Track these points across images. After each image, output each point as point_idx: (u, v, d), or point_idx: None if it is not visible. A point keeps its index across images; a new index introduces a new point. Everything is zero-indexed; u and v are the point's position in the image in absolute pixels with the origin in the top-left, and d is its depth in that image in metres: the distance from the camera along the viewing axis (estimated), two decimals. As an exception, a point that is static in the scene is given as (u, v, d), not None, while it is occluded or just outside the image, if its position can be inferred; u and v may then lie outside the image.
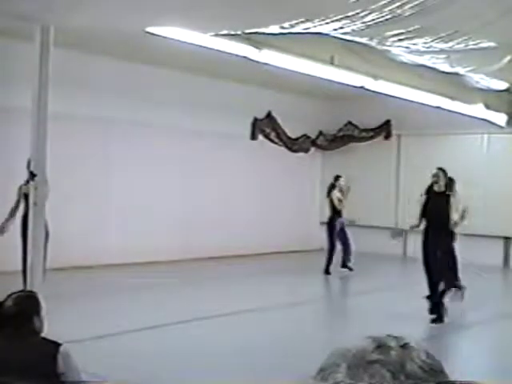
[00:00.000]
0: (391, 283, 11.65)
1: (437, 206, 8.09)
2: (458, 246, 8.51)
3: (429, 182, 8.34)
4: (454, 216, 8.01)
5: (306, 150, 15.56)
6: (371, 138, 15.36)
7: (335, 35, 5.90)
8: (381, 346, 0.93)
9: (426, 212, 8.17)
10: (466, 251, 13.72)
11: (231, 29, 5.79)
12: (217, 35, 6.10)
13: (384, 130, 15.27)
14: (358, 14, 5.04)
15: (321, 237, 15.72)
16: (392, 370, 0.89)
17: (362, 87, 8.82)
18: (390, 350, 0.92)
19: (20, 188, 7.62)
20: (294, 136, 15.09)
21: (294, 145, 15.17)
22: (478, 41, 5.95)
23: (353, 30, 5.50)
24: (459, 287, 8.80)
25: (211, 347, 6.69)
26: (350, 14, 5.05)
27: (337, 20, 5.19)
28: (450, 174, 8.30)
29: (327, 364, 0.93)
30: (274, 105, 14.33)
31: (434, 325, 7.85)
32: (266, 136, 14.57)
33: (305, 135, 15.45)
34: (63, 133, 9.57)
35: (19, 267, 7.31)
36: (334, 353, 0.94)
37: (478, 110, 10.98)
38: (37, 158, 5.68)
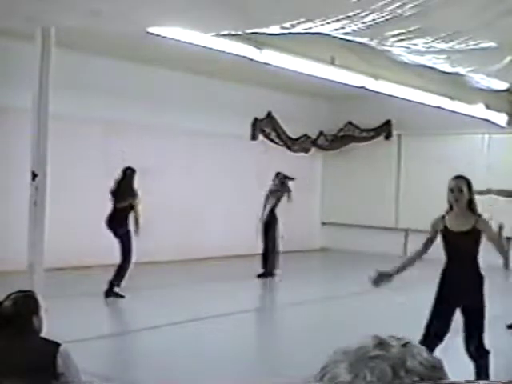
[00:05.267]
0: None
1: None
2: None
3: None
4: None
5: (307, 151, 15.55)
6: (372, 138, 15.35)
7: (336, 35, 5.90)
8: (382, 343, 0.93)
9: None
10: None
11: (232, 29, 5.79)
12: (217, 35, 6.10)
13: (384, 130, 15.27)
14: (358, 14, 5.04)
15: (321, 237, 15.75)
16: (392, 365, 0.90)
17: (362, 87, 8.81)
18: (390, 347, 0.93)
19: None
20: (294, 136, 15.08)
21: (295, 145, 15.16)
22: (479, 41, 5.94)
23: (353, 30, 5.50)
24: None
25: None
26: (350, 14, 5.05)
27: (337, 20, 5.19)
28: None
29: (329, 361, 0.93)
30: (274, 105, 14.32)
31: None
32: (266, 136, 14.56)
33: (305, 135, 15.44)
34: (63, 133, 9.57)
35: (19, 267, 7.29)
36: (336, 351, 0.95)
37: (478, 109, 10.97)
38: (38, 158, 5.68)
